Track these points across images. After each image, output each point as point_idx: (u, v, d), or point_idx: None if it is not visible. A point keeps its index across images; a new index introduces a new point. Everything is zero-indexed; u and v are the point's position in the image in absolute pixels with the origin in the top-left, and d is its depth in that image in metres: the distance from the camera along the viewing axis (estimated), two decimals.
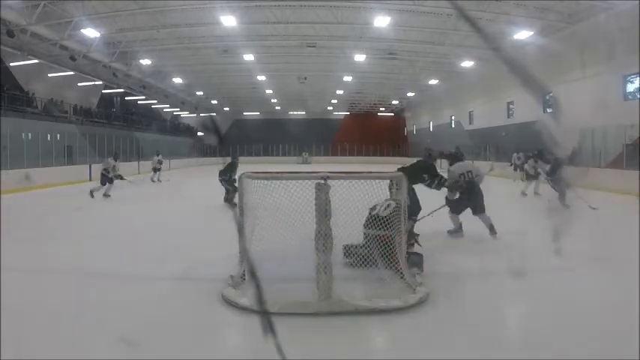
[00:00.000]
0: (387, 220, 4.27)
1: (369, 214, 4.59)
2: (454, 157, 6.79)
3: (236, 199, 4.44)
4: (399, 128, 46.67)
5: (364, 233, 4.57)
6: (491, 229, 6.12)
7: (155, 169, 18.42)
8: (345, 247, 4.55)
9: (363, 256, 4.18)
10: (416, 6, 15.49)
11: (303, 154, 42.06)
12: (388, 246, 4.11)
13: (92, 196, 11.33)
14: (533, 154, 12.29)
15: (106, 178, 11.51)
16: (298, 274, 3.83)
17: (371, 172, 4.28)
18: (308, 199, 3.71)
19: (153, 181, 17.82)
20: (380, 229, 4.26)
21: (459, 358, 2.86)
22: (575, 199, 8.04)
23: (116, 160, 11.83)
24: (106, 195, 11.42)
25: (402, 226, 4.14)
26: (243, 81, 30.40)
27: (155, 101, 33.84)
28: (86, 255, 5.49)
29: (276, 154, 43.03)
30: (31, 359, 2.80)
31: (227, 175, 9.79)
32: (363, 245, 4.43)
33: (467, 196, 6.19)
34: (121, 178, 12.05)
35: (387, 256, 4.09)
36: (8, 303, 3.50)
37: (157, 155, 18.76)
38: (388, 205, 4.48)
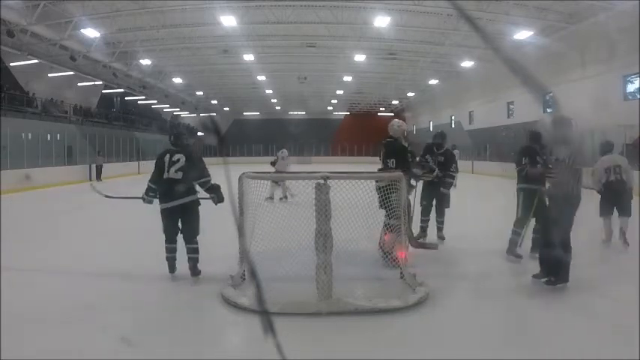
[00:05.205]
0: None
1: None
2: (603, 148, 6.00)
3: None
4: None
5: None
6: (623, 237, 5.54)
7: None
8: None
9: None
10: (416, 6, 15.48)
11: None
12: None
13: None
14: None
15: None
16: (298, 274, 3.83)
17: (371, 172, 4.28)
18: (308, 199, 3.71)
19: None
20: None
21: (459, 358, 2.86)
22: None
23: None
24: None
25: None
26: (243, 81, 30.37)
27: (155, 101, 33.80)
28: (86, 255, 5.48)
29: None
30: (31, 359, 2.81)
31: None
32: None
33: (613, 195, 5.67)
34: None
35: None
36: (8, 303, 3.50)
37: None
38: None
